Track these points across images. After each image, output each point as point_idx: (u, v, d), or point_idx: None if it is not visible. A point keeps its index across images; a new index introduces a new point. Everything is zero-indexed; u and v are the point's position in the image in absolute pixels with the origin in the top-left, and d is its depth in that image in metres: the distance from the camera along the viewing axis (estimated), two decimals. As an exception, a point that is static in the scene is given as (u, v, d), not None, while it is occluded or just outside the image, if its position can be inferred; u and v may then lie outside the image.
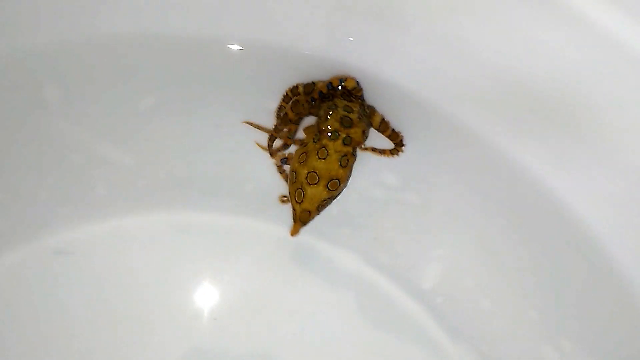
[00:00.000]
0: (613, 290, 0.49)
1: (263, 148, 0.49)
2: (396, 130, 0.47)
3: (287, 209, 0.54)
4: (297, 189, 0.44)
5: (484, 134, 0.47)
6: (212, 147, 0.52)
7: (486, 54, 0.44)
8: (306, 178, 0.44)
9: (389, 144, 0.48)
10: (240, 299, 0.56)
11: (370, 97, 0.46)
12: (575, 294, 0.52)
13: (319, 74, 0.46)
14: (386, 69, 0.46)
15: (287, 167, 0.49)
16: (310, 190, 0.44)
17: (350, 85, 0.44)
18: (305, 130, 0.46)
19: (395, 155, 0.48)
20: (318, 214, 0.45)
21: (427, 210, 0.53)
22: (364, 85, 0.45)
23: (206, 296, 0.55)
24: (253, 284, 0.55)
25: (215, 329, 0.54)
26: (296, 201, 0.45)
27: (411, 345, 0.56)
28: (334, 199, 0.46)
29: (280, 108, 0.47)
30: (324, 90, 0.44)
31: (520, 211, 0.51)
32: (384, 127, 0.46)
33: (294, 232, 0.46)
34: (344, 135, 0.43)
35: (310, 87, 0.45)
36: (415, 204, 0.53)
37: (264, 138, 0.49)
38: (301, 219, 0.45)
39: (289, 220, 0.54)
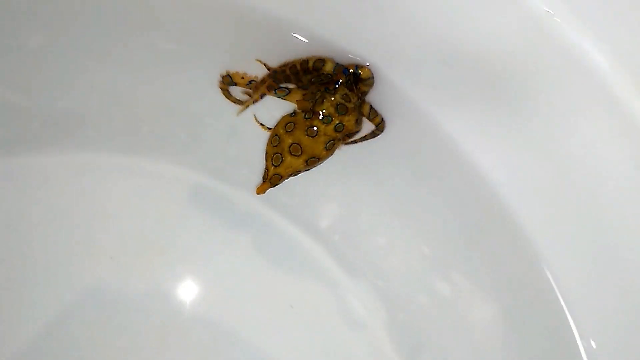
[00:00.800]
0: (499, 224, 0.51)
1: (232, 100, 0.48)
2: (381, 116, 0.47)
3: (184, 149, 0.54)
4: (277, 153, 0.44)
5: (399, 84, 0.48)
6: (107, 85, 0.52)
7: (428, 26, 0.44)
8: (289, 147, 0.44)
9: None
10: (134, 238, 0.56)
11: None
12: (464, 230, 0.53)
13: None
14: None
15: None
16: (290, 159, 0.44)
17: (365, 74, 0.44)
18: (299, 103, 0.46)
19: (377, 136, 0.48)
20: (286, 179, 0.46)
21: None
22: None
23: (103, 235, 0.56)
24: (149, 224, 0.56)
25: (113, 267, 0.55)
26: (272, 164, 0.45)
27: (310, 282, 0.57)
28: (306, 171, 0.46)
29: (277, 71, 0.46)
30: (330, 72, 0.44)
31: (420, 157, 0.52)
32: (373, 114, 0.46)
33: (261, 191, 0.45)
34: (337, 122, 0.44)
35: (320, 63, 0.44)
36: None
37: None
38: (271, 181, 0.45)
39: (187, 159, 0.55)
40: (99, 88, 0.53)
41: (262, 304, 0.57)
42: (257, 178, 0.56)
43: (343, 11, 0.45)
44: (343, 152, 0.52)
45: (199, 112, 0.53)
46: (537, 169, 0.48)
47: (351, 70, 0.44)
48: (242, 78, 0.47)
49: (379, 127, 0.48)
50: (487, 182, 0.50)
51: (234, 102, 0.48)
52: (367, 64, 0.45)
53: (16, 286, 0.54)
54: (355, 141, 0.49)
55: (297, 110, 0.45)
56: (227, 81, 0.47)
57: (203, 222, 0.57)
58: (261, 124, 0.48)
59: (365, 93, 0.46)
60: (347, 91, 0.44)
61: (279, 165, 0.44)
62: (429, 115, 0.49)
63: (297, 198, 0.56)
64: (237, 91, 0.48)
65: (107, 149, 0.55)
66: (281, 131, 0.45)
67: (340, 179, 0.55)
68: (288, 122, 0.45)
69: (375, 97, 0.49)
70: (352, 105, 0.44)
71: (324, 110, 0.43)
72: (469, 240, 0.53)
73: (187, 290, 0.57)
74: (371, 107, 0.46)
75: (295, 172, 0.45)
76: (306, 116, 0.44)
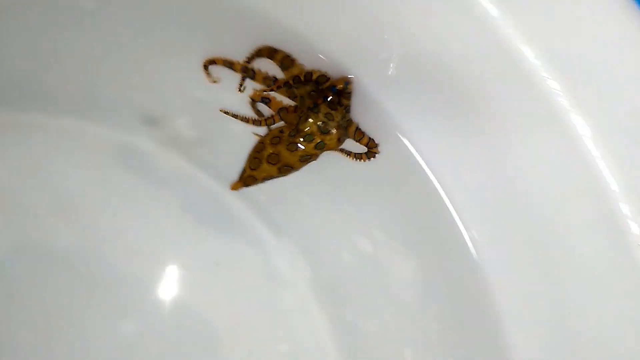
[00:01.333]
0: (417, 182, 0.52)
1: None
2: (371, 137, 0.47)
3: (110, 107, 0.54)
4: (256, 158, 0.46)
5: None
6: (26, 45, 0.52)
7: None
8: (268, 156, 0.46)
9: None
10: (58, 200, 0.56)
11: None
12: (384, 189, 0.54)
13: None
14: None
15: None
16: (266, 166, 0.46)
17: (349, 89, 0.44)
18: (286, 115, 0.46)
19: (371, 159, 0.49)
20: (260, 182, 0.48)
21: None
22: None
23: (28, 193, 0.56)
24: (73, 184, 0.56)
25: (35, 225, 0.55)
26: (250, 166, 0.47)
27: (235, 240, 0.58)
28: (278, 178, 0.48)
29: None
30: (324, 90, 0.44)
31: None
32: (359, 135, 0.47)
33: (235, 187, 0.48)
34: (319, 140, 0.44)
35: (323, 78, 0.44)
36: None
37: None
38: (245, 182, 0.48)
39: (113, 120, 0.55)
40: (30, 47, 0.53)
41: (187, 262, 0.58)
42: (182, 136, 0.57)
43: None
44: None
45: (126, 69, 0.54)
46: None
47: (340, 87, 0.44)
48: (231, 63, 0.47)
49: (371, 149, 0.48)
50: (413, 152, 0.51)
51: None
52: (351, 77, 0.45)
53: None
54: (349, 154, 0.49)
55: (286, 125, 0.46)
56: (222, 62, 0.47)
57: (127, 180, 0.57)
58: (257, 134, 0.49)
59: (348, 108, 0.46)
60: (330, 110, 0.44)
61: (255, 169, 0.47)
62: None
63: (224, 157, 0.57)
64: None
65: (32, 108, 0.55)
66: (267, 141, 0.46)
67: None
68: (275, 136, 0.46)
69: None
70: (335, 124, 0.45)
71: (307, 129, 0.44)
72: (387, 198, 0.55)
73: (111, 249, 0.57)
74: (357, 129, 0.47)
75: (268, 177, 0.47)
76: (290, 134, 0.45)
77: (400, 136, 0.50)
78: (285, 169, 0.47)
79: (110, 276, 0.57)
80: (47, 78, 0.54)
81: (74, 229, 0.56)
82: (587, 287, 0.43)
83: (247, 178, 0.47)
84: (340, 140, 0.46)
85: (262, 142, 0.47)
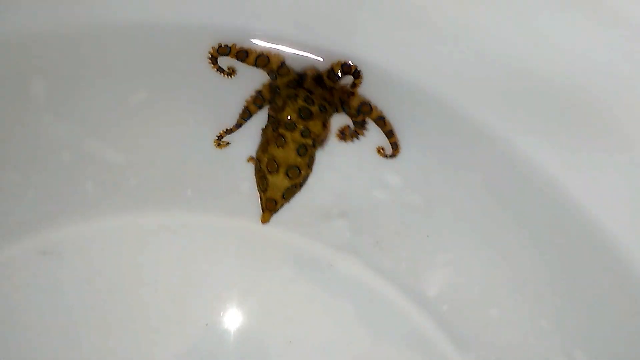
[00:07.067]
0: (629, 294, 0.47)
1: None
2: (393, 131, 0.46)
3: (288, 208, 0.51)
4: (261, 177, 0.44)
5: (495, 130, 0.45)
6: (206, 144, 0.50)
7: (499, 47, 0.42)
8: (267, 166, 0.43)
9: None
10: (235, 304, 0.53)
11: (377, 92, 0.45)
12: (589, 301, 0.49)
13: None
14: (394, 62, 0.44)
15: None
16: (272, 178, 0.43)
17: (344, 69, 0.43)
18: (265, 87, 0.45)
19: (390, 157, 0.47)
20: (287, 202, 0.45)
21: (432, 212, 0.51)
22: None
23: (198, 300, 0.53)
24: (249, 288, 0.53)
25: (208, 334, 0.52)
26: (261, 189, 0.44)
27: (415, 356, 0.53)
28: (300, 186, 0.45)
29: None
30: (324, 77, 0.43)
31: (531, 212, 0.49)
32: (381, 123, 0.45)
33: (264, 220, 0.45)
34: (302, 127, 0.42)
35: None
36: (419, 205, 0.50)
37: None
38: (268, 208, 0.44)
39: (288, 222, 0.52)
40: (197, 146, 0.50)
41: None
42: (359, 240, 0.53)
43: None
44: (458, 218, 0.49)
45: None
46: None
47: (337, 72, 0.43)
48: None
49: (393, 147, 0.46)
50: (612, 249, 0.46)
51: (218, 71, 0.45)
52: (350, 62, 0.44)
53: (109, 349, 0.52)
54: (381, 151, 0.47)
55: (267, 127, 0.45)
56: (223, 51, 0.44)
57: (302, 288, 0.53)
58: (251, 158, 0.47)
59: (333, 88, 0.44)
60: (308, 93, 0.42)
61: (266, 189, 0.44)
62: (535, 164, 0.46)
63: (404, 263, 0.53)
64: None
65: (205, 210, 0.52)
66: (259, 153, 0.44)
67: (451, 244, 0.51)
68: (262, 142, 0.44)
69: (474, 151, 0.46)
70: (317, 108, 0.42)
71: (288, 117, 0.42)
72: (593, 314, 0.49)
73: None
74: (380, 117, 0.45)
75: (287, 191, 0.44)
76: (273, 127, 0.43)
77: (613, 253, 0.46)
78: (293, 172, 0.43)
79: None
80: (221, 177, 0.52)
81: (246, 337, 0.53)
82: None
83: (267, 203, 0.44)
84: (325, 126, 0.43)
85: (257, 159, 0.44)
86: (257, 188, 0.45)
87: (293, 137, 0.42)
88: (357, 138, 0.47)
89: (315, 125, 0.43)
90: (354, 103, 0.44)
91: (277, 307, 0.53)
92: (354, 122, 0.46)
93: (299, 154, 0.43)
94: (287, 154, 0.43)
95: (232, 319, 0.53)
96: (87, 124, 0.49)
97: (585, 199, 0.46)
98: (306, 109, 0.42)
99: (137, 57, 0.46)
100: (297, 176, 0.43)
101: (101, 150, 0.50)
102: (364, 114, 0.45)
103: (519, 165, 0.46)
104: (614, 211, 0.46)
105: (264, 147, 0.44)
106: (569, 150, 0.45)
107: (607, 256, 0.46)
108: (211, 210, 0.52)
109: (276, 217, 0.51)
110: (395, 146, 0.46)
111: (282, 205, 0.45)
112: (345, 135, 0.47)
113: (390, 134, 0.45)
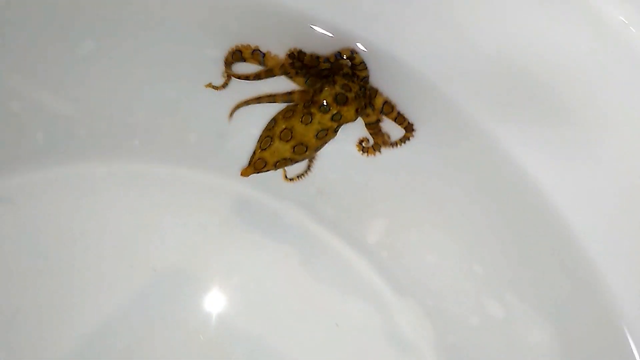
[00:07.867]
0: (558, 245, 0.49)
1: (214, 88, 0.48)
2: (402, 113, 0.47)
3: (233, 161, 0.53)
4: (267, 136, 0.44)
5: (464, 106, 0.47)
6: (154, 95, 0.52)
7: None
8: (281, 132, 0.44)
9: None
10: (179, 252, 0.55)
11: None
12: (519, 249, 0.51)
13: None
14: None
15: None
16: (278, 144, 0.44)
17: (357, 60, 0.44)
18: (299, 93, 0.46)
19: (406, 142, 0.48)
20: (274, 169, 0.45)
21: (372, 160, 0.52)
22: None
23: (147, 246, 0.55)
24: (193, 236, 0.55)
25: (156, 280, 0.54)
26: (260, 147, 0.44)
27: (356, 300, 0.56)
28: (295, 162, 0.46)
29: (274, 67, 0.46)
30: (332, 60, 0.44)
31: (468, 162, 0.50)
32: (387, 109, 0.46)
33: (244, 173, 0.44)
34: (335, 111, 0.43)
35: (315, 61, 0.44)
36: (359, 154, 0.52)
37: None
38: (255, 166, 0.44)
39: (231, 173, 0.53)
40: (146, 97, 0.52)
41: (307, 322, 0.55)
42: (303, 190, 0.55)
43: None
44: (397, 165, 0.51)
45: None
46: (601, 188, 0.46)
47: (345, 56, 0.43)
48: (252, 53, 0.46)
49: (407, 130, 0.47)
50: (549, 202, 0.48)
51: (232, 76, 0.47)
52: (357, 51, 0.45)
53: (60, 294, 0.53)
54: (392, 144, 0.48)
55: (297, 100, 0.45)
56: (237, 57, 0.46)
57: (246, 235, 0.55)
58: (213, 86, 0.48)
59: (365, 79, 0.45)
60: (347, 81, 0.43)
61: (265, 149, 0.44)
62: (490, 133, 0.48)
63: (344, 212, 0.55)
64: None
65: (153, 160, 0.54)
66: (279, 116, 0.45)
67: (390, 193, 0.53)
68: (289, 110, 0.45)
69: (429, 113, 0.48)
70: (353, 95, 0.43)
71: (323, 100, 0.43)
72: (524, 260, 0.51)
73: (230, 306, 0.55)
74: (387, 102, 0.46)
75: (282, 161, 0.44)
76: (305, 104, 0.44)
77: (550, 208, 0.48)
78: (300, 149, 0.44)
79: (227, 336, 0.55)
80: (169, 127, 0.53)
81: (194, 286, 0.55)
82: None
83: (257, 161, 0.44)
84: (358, 112, 0.44)
85: (274, 119, 0.45)
86: (257, 141, 0.45)
87: (321, 119, 0.43)
88: (379, 151, 0.48)
89: (348, 111, 0.43)
90: (378, 102, 0.46)
91: (219, 254, 0.55)
92: (368, 128, 0.47)
93: (317, 136, 0.44)
94: (306, 132, 0.44)
95: (179, 264, 0.55)
96: (36, 75, 0.50)
97: (526, 162, 0.48)
98: (343, 95, 0.43)
99: (84, 6, 0.47)
100: (301, 154, 0.44)
101: (51, 100, 0.51)
102: (385, 114, 0.46)
103: (474, 134, 0.48)
104: (546, 166, 0.48)
105: (288, 114, 0.44)
106: (538, 138, 0.47)
107: (533, 200, 0.49)
108: (158, 160, 0.54)
109: (219, 163, 0.53)
110: (410, 128, 0.47)
111: (267, 170, 0.45)
112: (366, 149, 0.48)
113: (400, 118, 0.47)
